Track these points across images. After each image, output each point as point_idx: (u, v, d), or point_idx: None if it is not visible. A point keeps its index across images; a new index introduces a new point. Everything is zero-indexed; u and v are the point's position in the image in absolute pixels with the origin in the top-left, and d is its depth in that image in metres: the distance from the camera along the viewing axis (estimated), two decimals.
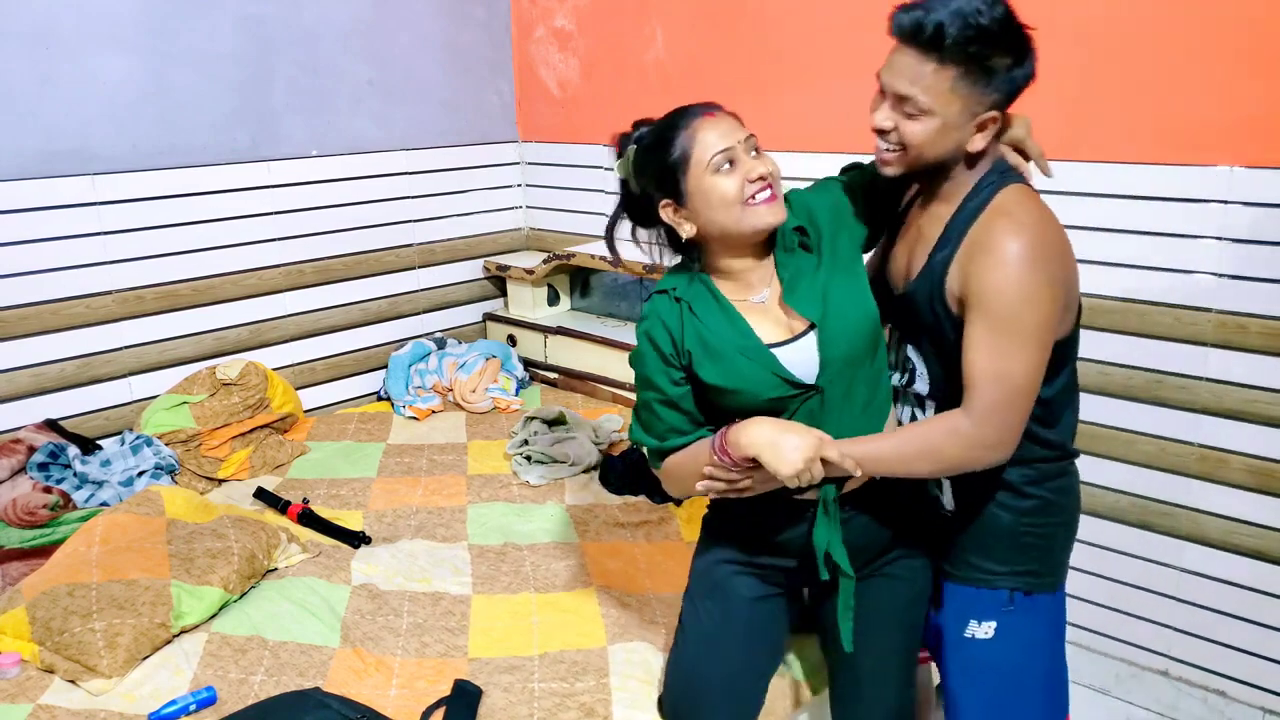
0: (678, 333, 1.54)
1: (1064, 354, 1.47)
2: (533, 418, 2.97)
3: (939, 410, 1.53)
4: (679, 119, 1.52)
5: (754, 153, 1.50)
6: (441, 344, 3.44)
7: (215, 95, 2.89)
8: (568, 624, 2.01)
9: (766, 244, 1.56)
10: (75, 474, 2.53)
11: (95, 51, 2.64)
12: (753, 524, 1.62)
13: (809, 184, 1.68)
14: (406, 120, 3.36)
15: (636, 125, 1.60)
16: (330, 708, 1.68)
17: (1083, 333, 2.39)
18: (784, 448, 1.40)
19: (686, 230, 1.52)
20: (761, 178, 1.47)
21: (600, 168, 3.44)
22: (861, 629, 1.59)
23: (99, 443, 2.69)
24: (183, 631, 1.96)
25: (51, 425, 2.63)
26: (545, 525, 2.45)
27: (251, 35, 2.94)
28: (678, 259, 1.64)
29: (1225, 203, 2.16)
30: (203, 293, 2.94)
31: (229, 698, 1.79)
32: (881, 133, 1.45)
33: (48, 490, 2.42)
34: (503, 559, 2.30)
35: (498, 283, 3.72)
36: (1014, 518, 1.52)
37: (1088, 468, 2.48)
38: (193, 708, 1.74)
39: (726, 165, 1.47)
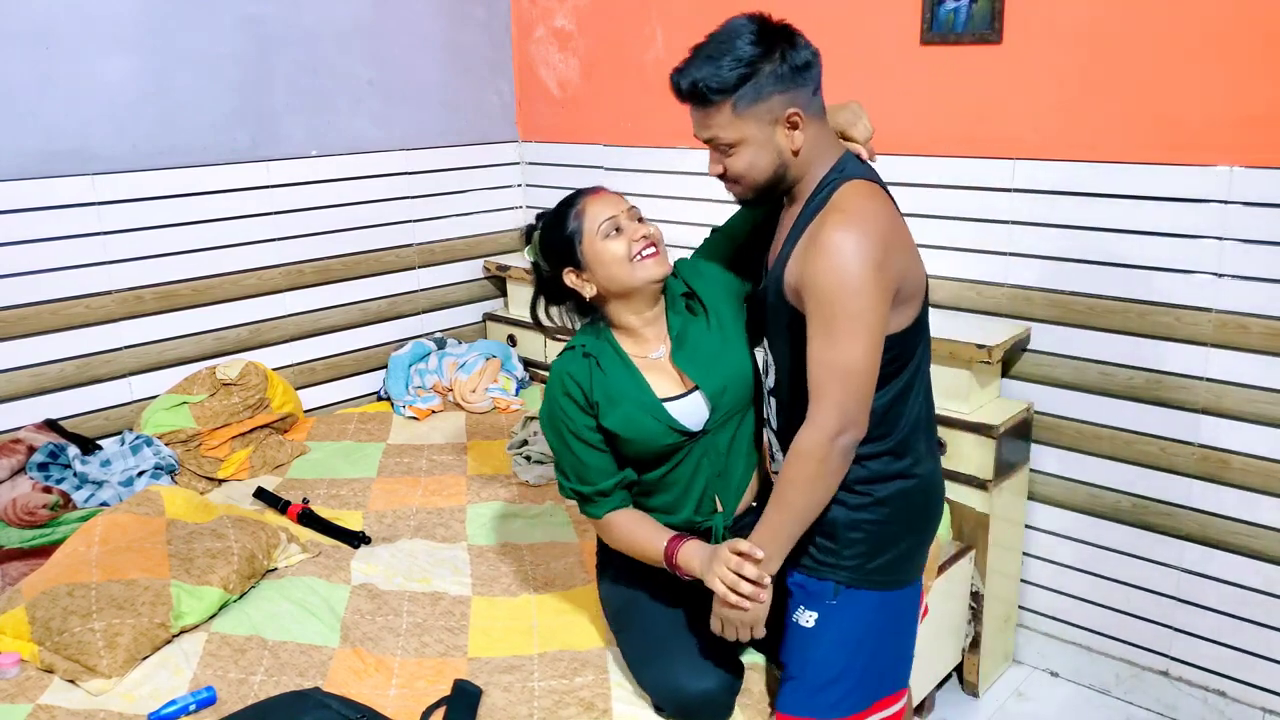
0: (586, 385, 1.74)
1: (899, 355, 1.53)
2: (532, 418, 2.97)
3: (779, 406, 1.66)
4: (571, 200, 1.77)
5: (637, 221, 1.75)
6: (441, 344, 3.44)
7: (215, 95, 2.89)
8: (567, 624, 2.01)
9: (660, 303, 1.78)
10: (75, 474, 2.53)
11: (95, 52, 2.64)
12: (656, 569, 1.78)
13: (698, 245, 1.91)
14: (406, 120, 3.36)
15: (538, 218, 1.84)
16: (330, 708, 1.67)
17: (1084, 332, 2.42)
18: (711, 580, 1.58)
19: (588, 291, 1.75)
20: (644, 237, 1.72)
21: (601, 168, 3.44)
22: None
23: (99, 443, 2.69)
24: (182, 631, 1.96)
25: (51, 425, 2.63)
26: (544, 525, 2.45)
27: (251, 35, 2.94)
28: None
29: (1225, 203, 2.16)
30: (203, 293, 2.94)
31: (229, 698, 1.79)
32: (720, 178, 1.59)
33: (48, 490, 2.42)
34: (502, 559, 2.30)
35: (498, 283, 3.72)
36: (846, 513, 1.59)
37: (1089, 468, 2.49)
38: (192, 708, 1.74)
39: (614, 231, 1.72)
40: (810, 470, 1.48)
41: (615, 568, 1.89)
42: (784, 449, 1.61)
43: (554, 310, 1.89)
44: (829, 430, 1.45)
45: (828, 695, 1.62)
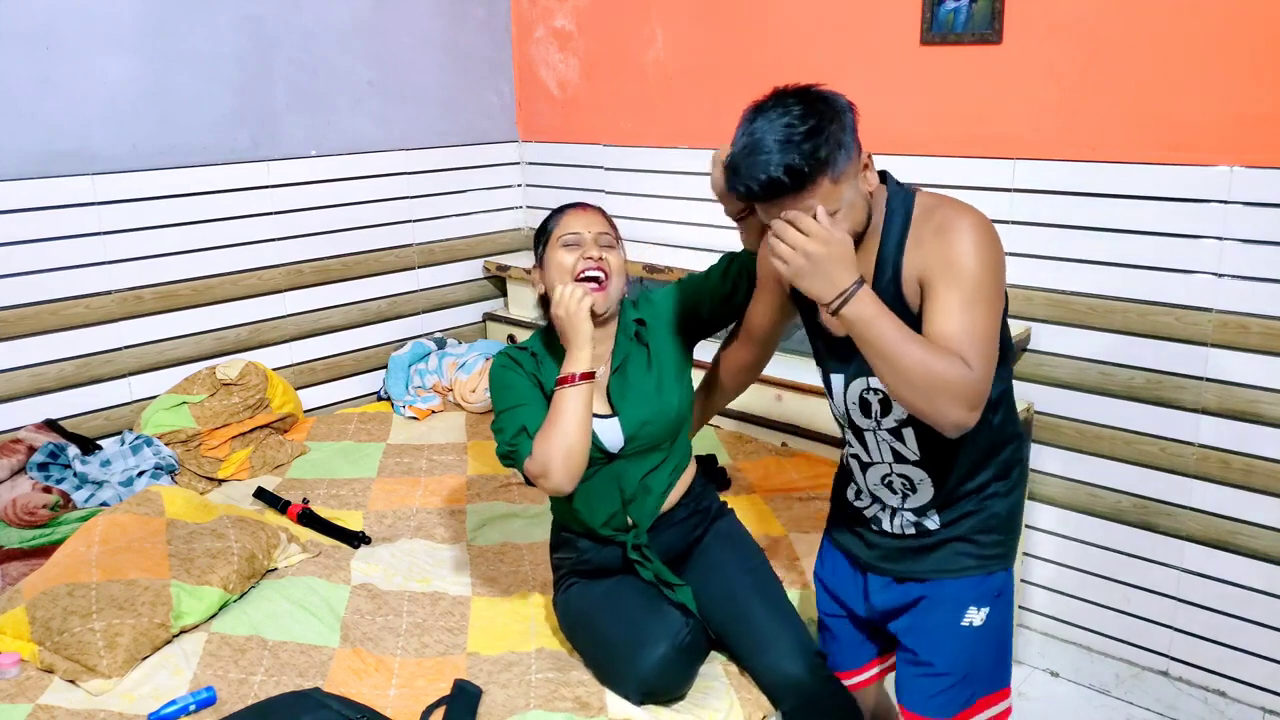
0: (532, 373, 1.83)
1: (1003, 344, 1.51)
2: None
3: (920, 434, 1.56)
4: (563, 207, 1.88)
5: (602, 246, 1.81)
6: (441, 344, 3.44)
7: (215, 95, 2.89)
8: None
9: (609, 327, 1.85)
10: (75, 474, 2.53)
11: (96, 52, 2.64)
12: (599, 564, 1.90)
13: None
14: (406, 120, 3.36)
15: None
16: (330, 708, 1.67)
17: (1084, 332, 2.43)
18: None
19: (538, 290, 1.86)
20: (591, 259, 1.77)
21: (601, 168, 3.44)
22: (713, 579, 1.88)
23: (99, 443, 2.69)
24: (182, 631, 1.96)
25: (51, 425, 2.63)
26: (544, 525, 2.45)
27: (251, 35, 2.94)
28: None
29: (1225, 203, 2.16)
30: (202, 293, 2.94)
31: (229, 698, 1.79)
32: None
33: (48, 490, 2.42)
34: (502, 559, 2.30)
35: (498, 283, 3.72)
36: (1004, 501, 1.62)
37: (1089, 468, 2.49)
38: (192, 708, 1.74)
39: (572, 244, 1.80)
40: (941, 384, 1.35)
41: (562, 586, 1.95)
42: (933, 477, 1.59)
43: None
44: (976, 392, 1.37)
45: (991, 680, 1.67)
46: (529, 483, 1.74)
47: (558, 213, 1.87)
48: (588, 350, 1.71)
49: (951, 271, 1.41)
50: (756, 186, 1.40)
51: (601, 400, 1.84)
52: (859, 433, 1.64)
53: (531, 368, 1.84)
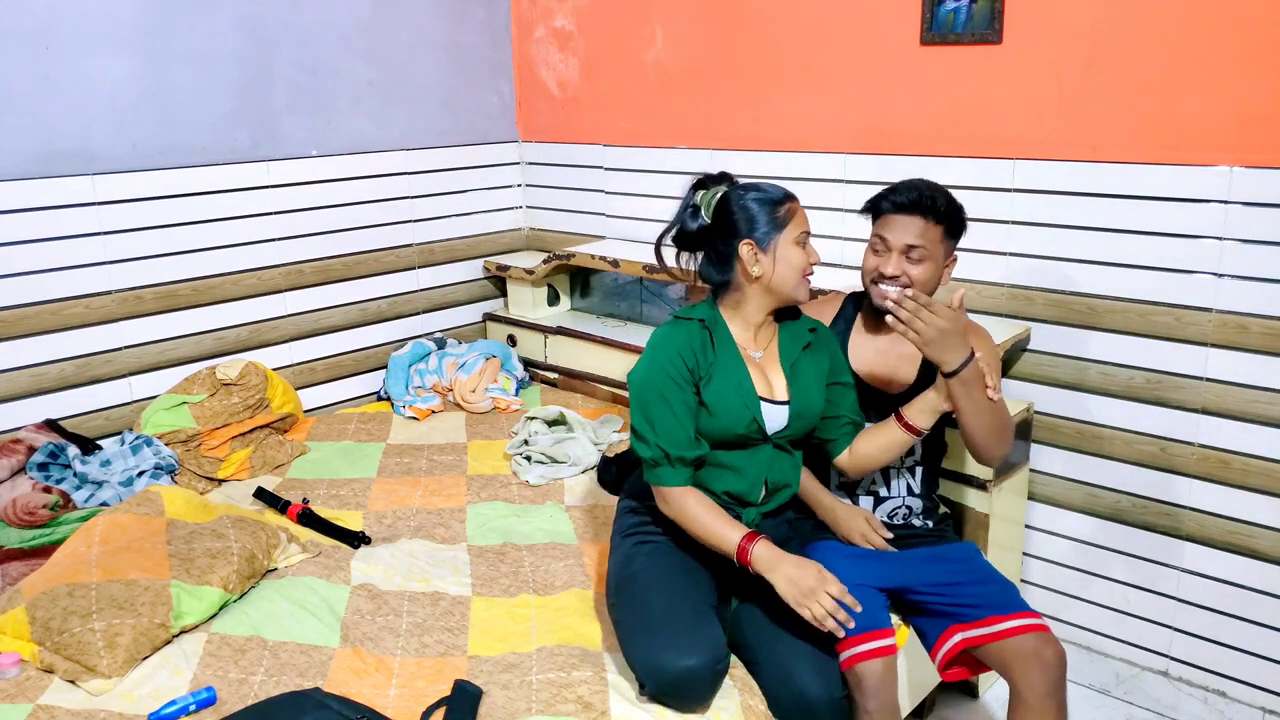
0: (701, 355, 1.87)
1: None
2: (533, 418, 2.97)
3: (926, 466, 2.09)
4: (784, 195, 1.87)
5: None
6: (441, 344, 3.44)
7: (215, 95, 2.89)
8: (566, 625, 2.01)
9: (779, 314, 1.95)
10: (75, 474, 2.53)
11: (95, 52, 2.64)
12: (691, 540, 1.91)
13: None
14: (406, 120, 3.36)
15: (722, 175, 1.94)
16: (330, 708, 1.68)
17: (1084, 332, 2.42)
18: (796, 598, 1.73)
19: (755, 271, 1.86)
20: (813, 263, 1.88)
21: (600, 167, 3.44)
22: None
23: (99, 443, 2.69)
24: (182, 631, 1.96)
25: (51, 425, 2.63)
26: (544, 525, 2.45)
27: (251, 35, 2.94)
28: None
29: (1225, 203, 2.16)
30: (203, 293, 2.94)
31: (229, 698, 1.79)
32: (892, 278, 1.92)
33: (48, 490, 2.42)
34: (502, 559, 2.30)
35: (498, 283, 3.72)
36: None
37: (1089, 468, 2.49)
38: (192, 708, 1.74)
39: (803, 244, 1.87)
40: (1010, 422, 1.97)
41: (634, 536, 1.98)
42: (924, 500, 2.11)
43: (670, 253, 1.97)
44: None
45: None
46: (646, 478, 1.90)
47: (783, 201, 1.85)
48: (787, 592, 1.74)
49: (990, 356, 1.96)
50: (909, 198, 1.89)
51: (764, 383, 1.91)
52: (885, 473, 2.08)
53: (700, 351, 1.87)
